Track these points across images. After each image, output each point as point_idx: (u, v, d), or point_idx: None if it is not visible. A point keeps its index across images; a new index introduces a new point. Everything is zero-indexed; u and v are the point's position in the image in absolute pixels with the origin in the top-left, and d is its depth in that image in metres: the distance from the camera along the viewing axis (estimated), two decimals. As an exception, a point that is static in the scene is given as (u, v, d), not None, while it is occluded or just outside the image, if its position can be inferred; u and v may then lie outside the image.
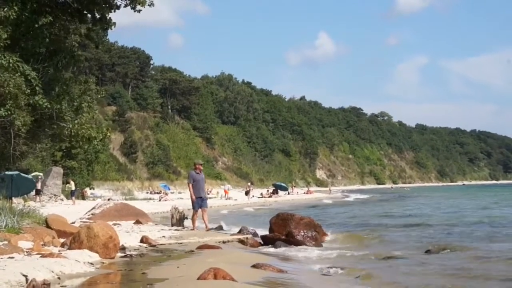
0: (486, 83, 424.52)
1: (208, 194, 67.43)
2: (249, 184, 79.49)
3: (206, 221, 20.61)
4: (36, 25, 21.56)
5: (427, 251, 16.38)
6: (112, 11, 23.28)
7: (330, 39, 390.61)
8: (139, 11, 22.99)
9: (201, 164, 20.77)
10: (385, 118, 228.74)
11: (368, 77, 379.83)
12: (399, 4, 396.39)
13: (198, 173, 20.21)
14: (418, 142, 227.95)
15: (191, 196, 20.16)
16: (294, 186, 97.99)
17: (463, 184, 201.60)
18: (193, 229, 20.09)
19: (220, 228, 24.79)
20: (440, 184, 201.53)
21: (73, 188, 46.89)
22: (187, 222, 22.48)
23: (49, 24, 21.84)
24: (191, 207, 20.56)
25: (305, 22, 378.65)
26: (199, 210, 20.32)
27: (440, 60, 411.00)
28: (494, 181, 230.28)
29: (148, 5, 22.86)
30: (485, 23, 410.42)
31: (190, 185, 20.02)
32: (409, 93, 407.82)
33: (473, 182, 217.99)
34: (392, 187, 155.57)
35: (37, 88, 21.04)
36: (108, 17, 23.35)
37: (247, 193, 66.60)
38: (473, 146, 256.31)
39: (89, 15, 23.59)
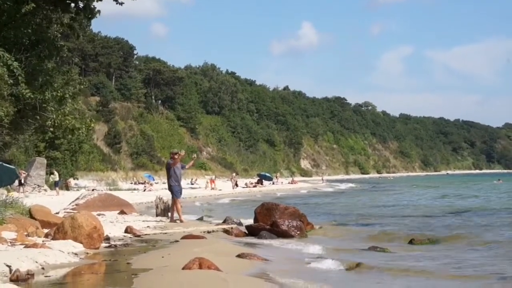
0: (470, 73, 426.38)
1: (193, 184, 67.67)
2: (234, 174, 79.46)
3: (175, 213, 20.01)
4: (18, 15, 21.37)
5: (410, 242, 16.49)
6: (95, 1, 23.09)
7: (313, 29, 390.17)
8: (121, 3, 22.81)
9: (176, 153, 20.15)
10: (369, 108, 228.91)
11: (352, 67, 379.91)
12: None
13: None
14: (402, 132, 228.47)
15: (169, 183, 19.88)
16: (279, 176, 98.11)
17: (447, 173, 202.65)
18: (181, 220, 19.35)
19: (205, 218, 24.84)
20: (424, 173, 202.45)
21: (57, 178, 46.72)
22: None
23: (31, 13, 21.65)
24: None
25: (289, 11, 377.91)
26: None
27: (424, 50, 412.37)
28: (477, 171, 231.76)
29: (130, -4, 22.67)
30: (469, 13, 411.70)
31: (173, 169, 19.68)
32: (393, 83, 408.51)
33: (457, 172, 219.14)
34: (380, 177, 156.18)
35: (19, 78, 20.86)
36: (92, 6, 23.12)
37: (235, 185, 66.48)
38: (456, 135, 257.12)
39: (72, 4, 23.35)
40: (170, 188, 19.71)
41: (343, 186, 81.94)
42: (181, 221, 19.33)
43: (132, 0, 22.84)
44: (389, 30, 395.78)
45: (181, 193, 19.92)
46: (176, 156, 19.86)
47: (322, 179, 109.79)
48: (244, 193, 59.30)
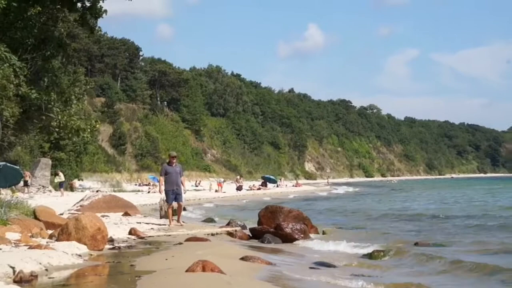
0: (476, 76, 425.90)
1: (197, 186, 67.67)
2: (238, 177, 79.43)
3: (180, 216, 19.64)
4: (25, 15, 21.38)
5: (416, 244, 16.49)
6: (102, 0, 23.09)
7: (319, 31, 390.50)
8: (130, -1, 22.79)
9: (174, 157, 19.48)
10: (374, 111, 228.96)
11: (357, 69, 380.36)
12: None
13: (170, 165, 19.18)
14: (407, 135, 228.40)
15: (159, 190, 19.65)
16: (284, 180, 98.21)
17: (452, 177, 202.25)
18: (169, 225, 18.91)
19: (209, 220, 24.87)
20: (429, 177, 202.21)
21: (62, 179, 46.76)
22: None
23: (37, 14, 21.67)
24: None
25: (295, 13, 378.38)
26: (174, 203, 19.32)
27: (430, 53, 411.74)
28: (482, 174, 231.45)
29: (137, -6, 22.66)
30: (475, 16, 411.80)
31: (161, 178, 19.22)
32: (398, 86, 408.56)
33: (461, 175, 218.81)
34: (387, 181, 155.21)
35: (24, 79, 20.89)
36: (98, 5, 23.10)
37: (239, 188, 66.36)
38: (461, 139, 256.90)
39: (78, 4, 23.34)
40: (165, 192, 19.20)
41: (340, 191, 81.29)
42: (174, 224, 19.02)
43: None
44: (395, 33, 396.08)
45: (176, 197, 19.10)
46: (174, 160, 19.23)
47: (328, 182, 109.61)
48: (269, 194, 59.68)
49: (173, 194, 19.03)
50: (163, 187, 19.19)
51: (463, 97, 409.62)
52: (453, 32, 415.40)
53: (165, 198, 19.78)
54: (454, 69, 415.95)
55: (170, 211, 19.33)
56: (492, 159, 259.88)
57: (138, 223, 19.41)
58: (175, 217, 19.52)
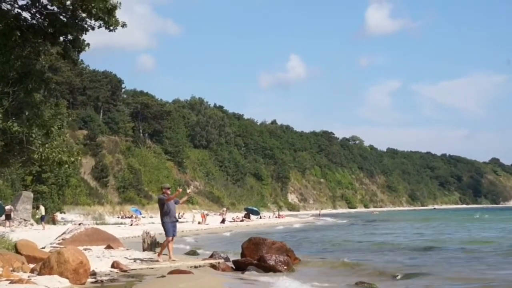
0: (457, 107, 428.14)
1: (180, 218, 67.50)
2: (224, 210, 79.28)
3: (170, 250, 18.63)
4: (6, 49, 21.35)
5: (395, 277, 16.53)
6: (85, 33, 23.11)
7: (301, 62, 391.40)
8: (113, 30, 22.81)
9: (168, 188, 18.98)
10: (357, 142, 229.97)
11: (339, 100, 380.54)
12: (370, 27, 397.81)
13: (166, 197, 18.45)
14: (389, 166, 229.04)
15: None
16: (275, 211, 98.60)
17: (434, 208, 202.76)
18: (171, 258, 18.02)
19: (192, 253, 24.77)
20: (411, 208, 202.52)
21: (43, 213, 46.43)
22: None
23: (19, 47, 21.65)
24: (162, 231, 19.17)
25: (277, 44, 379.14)
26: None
27: (412, 84, 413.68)
28: (464, 205, 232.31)
29: (121, 26, 22.71)
30: (457, 47, 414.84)
31: (171, 196, 18.45)
32: (380, 117, 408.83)
33: (444, 206, 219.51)
34: (372, 212, 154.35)
35: (6, 114, 20.80)
36: (81, 39, 23.11)
37: (223, 221, 66.04)
38: (443, 170, 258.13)
39: (61, 38, 23.33)
40: (163, 225, 18.36)
41: (323, 222, 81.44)
42: (172, 259, 18.41)
43: (122, 27, 22.83)
44: (376, 64, 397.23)
45: (174, 230, 18.37)
46: (168, 191, 18.69)
47: (319, 214, 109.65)
48: (253, 226, 59.66)
49: (173, 226, 18.33)
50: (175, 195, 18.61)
51: (444, 128, 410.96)
52: (434, 64, 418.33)
53: (151, 232, 19.55)
54: (435, 100, 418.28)
55: (170, 245, 18.39)
56: (474, 190, 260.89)
57: (124, 257, 19.26)
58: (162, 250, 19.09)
